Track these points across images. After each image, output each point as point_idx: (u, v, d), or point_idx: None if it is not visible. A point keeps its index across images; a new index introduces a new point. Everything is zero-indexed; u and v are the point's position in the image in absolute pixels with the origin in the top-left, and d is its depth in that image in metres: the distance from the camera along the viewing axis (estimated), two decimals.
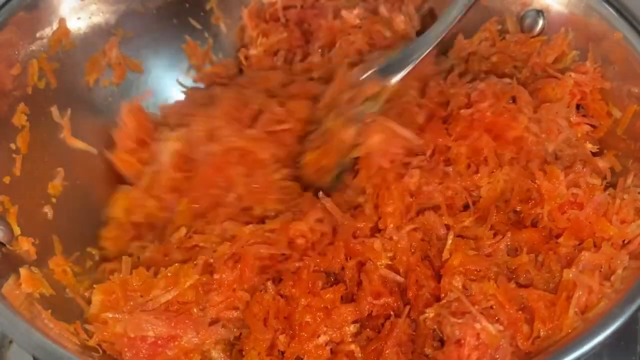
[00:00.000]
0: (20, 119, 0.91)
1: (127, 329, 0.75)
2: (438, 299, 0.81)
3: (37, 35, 0.95)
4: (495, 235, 0.85)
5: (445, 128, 0.93)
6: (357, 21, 1.08)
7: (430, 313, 0.79)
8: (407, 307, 0.81)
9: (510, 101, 0.92)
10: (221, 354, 0.78)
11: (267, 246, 0.83)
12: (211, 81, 1.14)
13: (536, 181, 0.85)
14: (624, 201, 0.83)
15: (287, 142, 0.96)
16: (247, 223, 0.86)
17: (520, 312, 0.76)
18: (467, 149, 0.89)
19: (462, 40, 1.07)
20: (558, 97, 0.95)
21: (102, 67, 1.04)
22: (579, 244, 0.82)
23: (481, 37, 1.06)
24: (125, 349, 0.75)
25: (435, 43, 0.92)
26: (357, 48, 1.06)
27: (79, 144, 0.98)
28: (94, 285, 0.81)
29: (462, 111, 0.92)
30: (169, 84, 1.13)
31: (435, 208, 0.88)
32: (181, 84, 1.14)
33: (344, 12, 1.09)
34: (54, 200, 0.93)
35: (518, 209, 0.88)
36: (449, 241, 0.84)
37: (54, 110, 0.96)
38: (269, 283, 0.82)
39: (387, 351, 0.78)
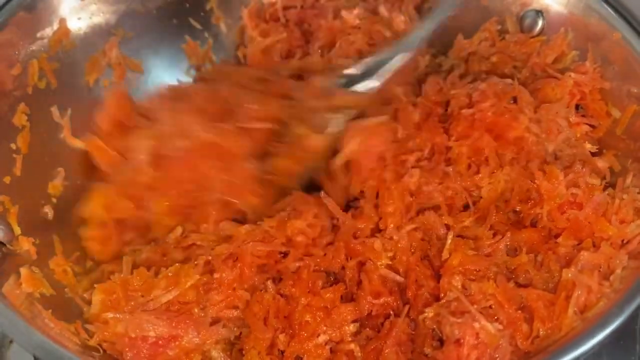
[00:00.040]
0: (20, 119, 0.91)
1: (128, 329, 0.75)
2: (437, 299, 0.81)
3: (38, 35, 0.95)
4: (494, 235, 0.85)
5: (442, 126, 0.93)
6: (357, 21, 1.08)
7: (429, 312, 0.79)
8: (407, 307, 0.82)
9: (511, 101, 0.92)
10: (221, 353, 0.79)
11: (263, 244, 0.83)
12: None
13: (535, 181, 0.86)
14: (623, 201, 0.83)
15: (259, 139, 0.95)
16: (233, 219, 0.87)
17: (519, 311, 0.76)
18: (468, 149, 0.89)
19: (462, 40, 1.07)
20: (558, 97, 0.95)
21: (102, 67, 1.04)
22: (578, 244, 0.82)
23: (481, 37, 1.06)
24: (126, 349, 0.75)
25: (402, 64, 0.93)
26: (357, 48, 1.06)
27: (79, 144, 0.98)
28: (95, 285, 0.81)
29: (463, 111, 0.92)
30: (169, 84, 1.14)
31: (435, 208, 0.88)
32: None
33: (344, 12, 1.09)
34: (54, 200, 0.93)
35: (517, 209, 0.89)
36: (449, 241, 0.84)
37: (54, 110, 0.96)
38: (269, 282, 0.82)
39: (387, 350, 0.78)
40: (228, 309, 0.80)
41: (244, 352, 0.79)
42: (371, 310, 0.82)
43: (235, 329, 0.81)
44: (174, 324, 0.76)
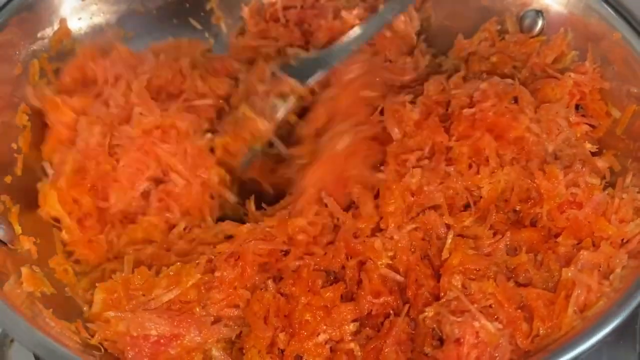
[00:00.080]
0: (21, 118, 0.92)
1: (129, 328, 0.75)
2: (437, 298, 0.81)
3: (38, 35, 0.96)
4: (494, 234, 0.85)
5: (443, 126, 0.93)
6: (357, 21, 1.08)
7: (429, 312, 0.79)
8: (407, 306, 0.82)
9: (512, 101, 0.93)
10: (222, 352, 0.79)
11: (265, 243, 0.83)
12: None
13: (535, 181, 0.86)
14: (623, 200, 0.83)
15: (207, 115, 0.99)
16: (233, 219, 0.90)
17: (519, 310, 0.76)
18: (469, 149, 0.89)
19: (461, 40, 1.08)
20: (557, 97, 0.95)
21: None
22: (578, 243, 0.82)
23: (481, 37, 1.07)
24: (128, 348, 0.75)
25: (349, 52, 0.98)
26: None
27: (36, 102, 0.96)
28: (96, 284, 0.81)
29: (464, 111, 0.91)
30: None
31: (436, 207, 0.88)
32: None
33: (343, 13, 1.10)
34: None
35: (517, 208, 0.89)
36: (449, 240, 0.84)
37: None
38: (270, 281, 0.83)
39: (387, 350, 0.78)
40: (229, 308, 0.80)
41: (244, 350, 0.79)
42: (371, 310, 0.82)
43: (235, 327, 0.81)
44: (175, 323, 0.76)
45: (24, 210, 0.87)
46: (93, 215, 0.90)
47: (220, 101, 1.02)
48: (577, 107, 0.96)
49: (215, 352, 0.78)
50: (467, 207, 0.89)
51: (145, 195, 0.92)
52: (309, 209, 0.87)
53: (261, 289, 0.82)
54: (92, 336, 0.77)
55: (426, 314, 0.79)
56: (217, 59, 1.10)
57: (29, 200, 0.88)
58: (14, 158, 0.90)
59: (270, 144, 0.97)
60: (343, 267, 0.86)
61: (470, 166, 0.89)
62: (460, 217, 0.87)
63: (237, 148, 0.97)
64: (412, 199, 0.88)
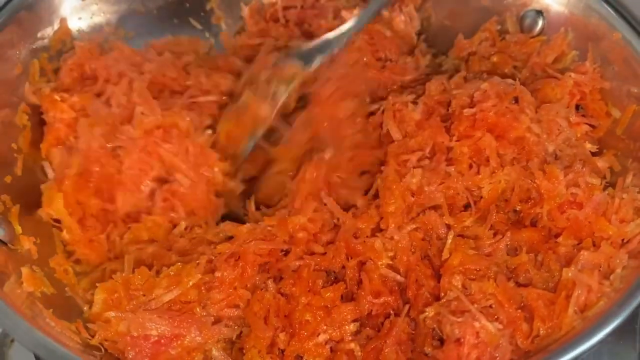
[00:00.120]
0: (21, 118, 0.92)
1: (130, 328, 0.75)
2: (438, 298, 0.81)
3: (39, 35, 0.96)
4: (495, 234, 0.85)
5: (444, 126, 0.93)
6: None
7: (429, 312, 0.79)
8: (407, 306, 0.82)
9: (513, 101, 0.93)
10: (222, 352, 0.79)
11: (265, 242, 0.83)
12: None
13: (536, 181, 0.86)
14: (623, 200, 0.83)
15: (210, 112, 1.00)
16: (233, 219, 0.90)
17: (519, 310, 0.76)
18: (470, 149, 0.89)
19: (462, 40, 1.08)
20: (558, 97, 0.95)
21: None
22: (578, 244, 0.82)
23: (481, 37, 1.07)
24: (128, 348, 0.75)
25: (349, 35, 1.00)
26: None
27: (34, 99, 0.95)
28: (96, 284, 0.81)
29: (465, 111, 0.91)
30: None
31: (436, 207, 0.88)
32: None
33: (344, 12, 1.10)
34: None
35: (518, 208, 0.89)
36: (449, 240, 0.84)
37: None
38: (270, 281, 0.83)
39: (387, 350, 0.78)
40: (229, 308, 0.80)
41: (244, 350, 0.79)
42: (371, 310, 0.82)
43: (235, 327, 0.81)
44: (176, 323, 0.76)
45: (24, 210, 0.87)
46: (95, 215, 0.90)
47: (224, 97, 1.02)
48: (577, 107, 0.96)
49: (215, 352, 0.78)
50: (467, 207, 0.89)
51: (151, 194, 0.92)
52: (307, 205, 0.87)
53: (261, 289, 0.82)
54: (93, 336, 0.77)
55: (426, 314, 0.79)
56: (219, 56, 1.11)
57: (29, 200, 0.88)
58: (14, 158, 0.90)
59: (271, 131, 0.98)
60: (343, 267, 0.86)
61: (470, 166, 0.89)
62: (460, 217, 0.87)
63: (239, 134, 0.97)
64: (413, 199, 0.88)
